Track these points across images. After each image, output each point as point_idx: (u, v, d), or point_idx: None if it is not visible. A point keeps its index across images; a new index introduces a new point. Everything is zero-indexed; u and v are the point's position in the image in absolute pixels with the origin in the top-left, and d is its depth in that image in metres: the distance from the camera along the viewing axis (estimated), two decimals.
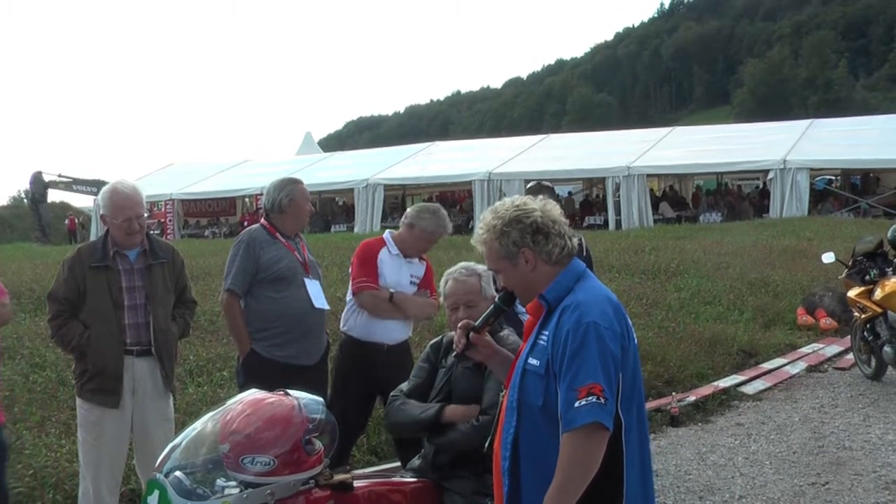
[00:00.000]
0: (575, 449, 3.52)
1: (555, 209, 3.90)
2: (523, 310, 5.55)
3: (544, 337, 3.74)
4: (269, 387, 4.69)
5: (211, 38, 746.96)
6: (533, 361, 3.75)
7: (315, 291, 6.86)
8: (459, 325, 4.25)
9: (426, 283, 7.39)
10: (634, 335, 3.81)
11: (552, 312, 3.77)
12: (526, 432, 3.75)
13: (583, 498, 3.57)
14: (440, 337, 5.52)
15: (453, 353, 4.47)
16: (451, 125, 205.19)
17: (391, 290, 7.14)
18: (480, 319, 4.20)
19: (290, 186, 7.01)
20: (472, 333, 4.17)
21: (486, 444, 4.07)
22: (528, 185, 7.98)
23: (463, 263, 5.35)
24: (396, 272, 7.24)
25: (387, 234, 7.42)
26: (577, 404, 3.50)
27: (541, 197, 4.00)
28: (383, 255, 7.26)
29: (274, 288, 6.76)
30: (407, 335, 7.40)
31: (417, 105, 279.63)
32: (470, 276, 5.19)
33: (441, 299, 5.37)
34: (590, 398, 3.49)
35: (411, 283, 7.30)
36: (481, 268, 5.25)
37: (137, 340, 6.24)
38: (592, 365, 3.54)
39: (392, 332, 7.20)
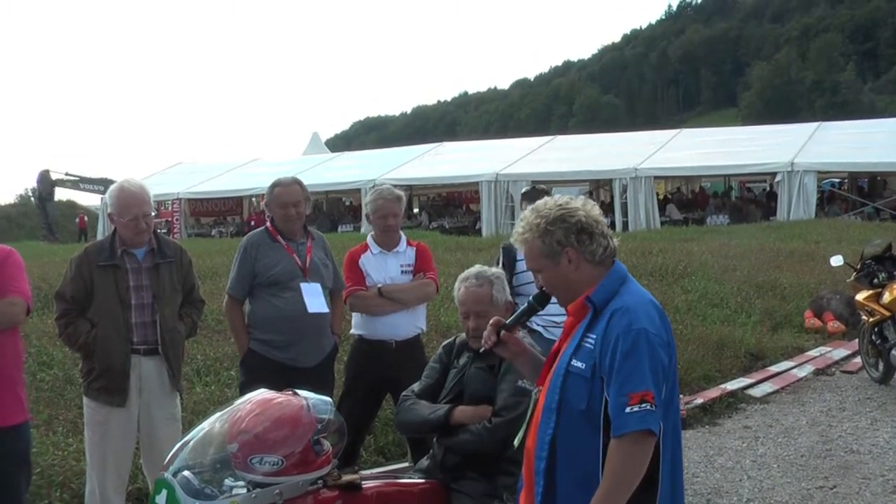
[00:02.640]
0: (625, 455, 3.53)
1: (595, 209, 3.91)
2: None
3: (591, 340, 3.72)
4: (269, 386, 4.70)
5: (218, 37, 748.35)
6: (578, 364, 3.72)
7: (311, 295, 6.84)
8: (491, 321, 4.22)
9: (421, 267, 7.39)
10: (674, 343, 3.82)
11: (598, 315, 3.76)
12: (564, 434, 3.73)
13: None
14: (452, 338, 5.52)
15: (480, 349, 4.44)
16: (459, 126, 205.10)
17: (379, 285, 7.18)
18: (513, 318, 4.20)
19: (268, 189, 7.10)
20: (503, 332, 4.16)
21: (518, 442, 4.04)
22: (523, 191, 8.00)
23: (476, 269, 5.33)
24: (382, 268, 7.29)
25: (369, 237, 7.51)
26: (628, 410, 3.50)
27: (581, 197, 4.00)
28: (365, 257, 7.35)
29: (270, 291, 6.83)
30: (416, 331, 7.39)
31: (424, 105, 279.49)
32: (481, 286, 5.17)
33: (456, 302, 5.37)
34: (643, 405, 3.50)
35: (403, 272, 7.33)
36: (494, 272, 5.26)
37: (144, 339, 6.24)
38: (644, 371, 3.55)
39: (397, 328, 7.20)
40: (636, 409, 3.49)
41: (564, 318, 3.98)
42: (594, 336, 3.71)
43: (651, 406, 3.50)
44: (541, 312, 4.24)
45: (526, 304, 4.20)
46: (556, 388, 3.78)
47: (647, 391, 3.51)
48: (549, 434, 3.76)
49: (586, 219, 3.81)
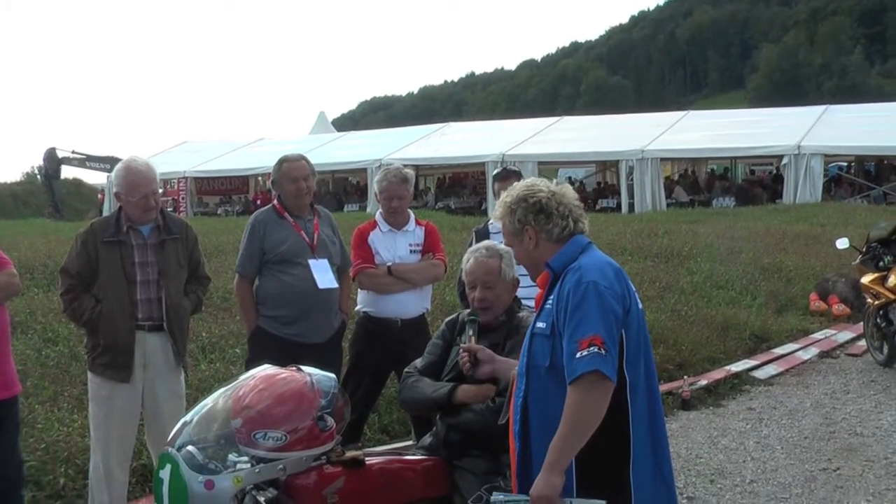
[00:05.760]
0: (578, 398, 3.67)
1: (566, 192, 4.14)
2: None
3: (550, 301, 3.94)
4: (277, 362, 4.71)
5: (225, 16, 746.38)
6: (540, 324, 3.96)
7: (320, 271, 6.88)
8: (463, 348, 4.73)
9: (429, 247, 7.43)
10: (638, 299, 3.98)
11: (557, 279, 3.96)
12: (534, 394, 3.93)
13: (590, 455, 3.73)
14: (456, 314, 5.50)
15: (468, 373, 4.79)
16: (465, 106, 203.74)
17: (388, 264, 7.20)
18: (467, 336, 4.86)
19: (276, 166, 7.12)
20: (478, 353, 4.66)
21: (503, 419, 4.26)
22: (495, 172, 8.06)
23: (487, 242, 5.37)
24: (391, 246, 7.31)
25: (377, 214, 7.51)
26: (578, 355, 3.66)
27: (558, 179, 4.24)
28: (374, 234, 7.37)
29: (279, 268, 6.87)
30: (422, 309, 7.44)
31: (431, 86, 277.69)
32: (491, 258, 5.16)
33: (462, 275, 5.38)
34: (591, 349, 3.65)
35: (412, 251, 7.36)
36: (504, 248, 5.26)
37: (149, 316, 6.25)
38: (593, 318, 3.71)
39: (404, 305, 7.24)
40: (585, 353, 3.65)
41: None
42: (552, 297, 3.92)
43: (600, 349, 3.65)
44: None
45: (467, 323, 4.97)
46: (524, 352, 4.01)
47: (596, 335, 3.66)
48: (520, 397, 3.98)
49: (547, 200, 4.06)
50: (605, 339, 3.66)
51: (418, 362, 5.38)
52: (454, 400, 4.97)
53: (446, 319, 5.53)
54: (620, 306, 3.79)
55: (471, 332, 4.89)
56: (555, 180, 4.27)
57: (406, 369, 5.41)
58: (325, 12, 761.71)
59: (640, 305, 3.99)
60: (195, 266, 6.62)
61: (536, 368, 3.91)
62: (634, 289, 4.00)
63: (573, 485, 3.78)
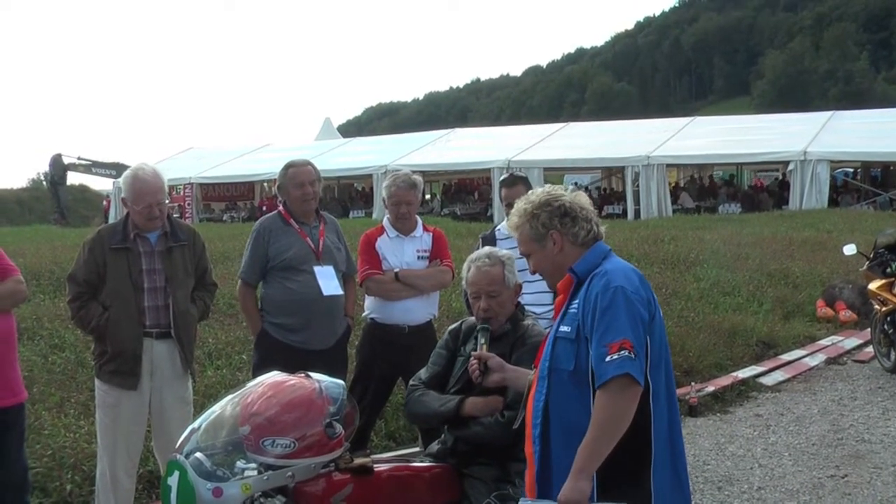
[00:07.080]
0: (608, 401, 3.68)
1: (583, 198, 4.17)
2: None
3: (575, 305, 3.94)
4: (283, 368, 4.70)
5: (232, 22, 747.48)
6: (564, 328, 3.95)
7: (325, 278, 6.85)
8: (473, 355, 4.72)
9: (437, 254, 7.40)
10: (659, 306, 4.00)
11: (581, 284, 3.96)
12: (556, 398, 3.93)
13: (611, 461, 3.71)
14: (459, 323, 5.46)
15: (476, 382, 4.73)
16: (470, 112, 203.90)
17: (395, 270, 7.17)
18: (479, 345, 4.85)
19: (282, 171, 7.10)
20: (479, 358, 4.66)
21: (518, 424, 4.27)
22: (501, 178, 8.03)
23: (487, 250, 5.30)
24: (399, 252, 7.28)
25: (385, 220, 7.48)
26: (608, 359, 3.68)
27: (572, 187, 4.27)
28: (382, 240, 7.33)
29: (283, 275, 6.84)
30: (429, 315, 7.40)
31: (437, 92, 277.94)
32: (493, 266, 5.12)
33: (463, 283, 5.34)
34: (621, 352, 3.67)
35: (419, 258, 7.33)
36: (504, 253, 5.23)
37: (157, 323, 6.24)
38: (622, 322, 3.73)
39: (411, 312, 7.20)
40: (615, 356, 3.66)
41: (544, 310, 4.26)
42: (577, 301, 3.93)
43: (630, 353, 3.67)
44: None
45: (480, 332, 4.97)
46: (546, 356, 4.00)
47: (625, 339, 3.68)
48: (541, 401, 3.97)
49: (570, 204, 4.08)
50: (634, 343, 3.69)
51: (423, 373, 5.34)
52: (462, 413, 4.94)
53: (449, 328, 5.49)
54: (647, 312, 3.82)
55: (482, 341, 4.87)
56: (569, 188, 4.28)
57: (411, 382, 5.37)
58: (330, 19, 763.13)
59: (661, 313, 4.00)
60: (202, 273, 6.62)
61: (559, 372, 3.91)
62: (655, 296, 4.01)
63: (594, 490, 3.76)
